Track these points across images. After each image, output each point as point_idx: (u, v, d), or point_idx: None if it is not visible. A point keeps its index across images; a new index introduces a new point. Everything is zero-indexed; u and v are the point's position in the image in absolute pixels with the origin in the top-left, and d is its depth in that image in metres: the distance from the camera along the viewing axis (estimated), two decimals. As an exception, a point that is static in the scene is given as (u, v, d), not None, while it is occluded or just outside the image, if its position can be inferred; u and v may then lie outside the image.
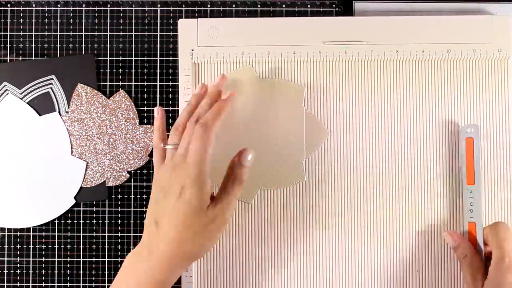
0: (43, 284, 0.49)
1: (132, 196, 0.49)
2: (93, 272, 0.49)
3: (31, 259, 0.49)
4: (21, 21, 0.50)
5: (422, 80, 0.48)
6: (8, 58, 0.50)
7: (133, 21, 0.50)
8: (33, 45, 0.50)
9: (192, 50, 0.48)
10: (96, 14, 0.50)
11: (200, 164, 0.39)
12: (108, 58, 0.50)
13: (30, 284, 0.49)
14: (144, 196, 0.49)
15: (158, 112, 0.45)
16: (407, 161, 0.48)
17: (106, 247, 0.49)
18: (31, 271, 0.49)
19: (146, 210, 0.49)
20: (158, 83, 0.50)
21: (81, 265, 0.49)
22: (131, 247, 0.49)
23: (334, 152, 0.48)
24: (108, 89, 0.50)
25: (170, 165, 0.41)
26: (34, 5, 0.50)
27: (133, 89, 0.50)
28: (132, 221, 0.49)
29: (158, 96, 0.49)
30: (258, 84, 0.48)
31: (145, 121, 0.49)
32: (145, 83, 0.50)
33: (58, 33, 0.50)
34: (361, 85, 0.48)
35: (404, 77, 0.48)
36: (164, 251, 0.39)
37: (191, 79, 0.48)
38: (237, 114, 0.47)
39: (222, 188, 0.42)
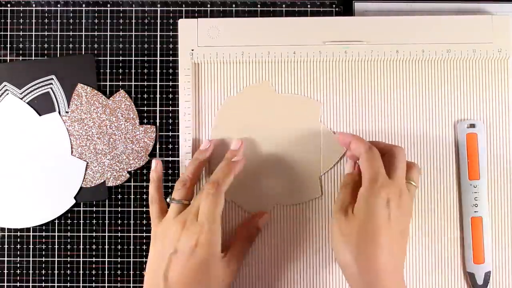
0: (43, 284, 0.49)
1: (132, 196, 0.49)
2: (93, 272, 0.49)
3: (31, 259, 0.49)
4: (21, 21, 0.50)
5: (422, 80, 0.48)
6: (8, 58, 0.50)
7: (133, 21, 0.50)
8: (33, 45, 0.50)
9: (192, 50, 0.48)
10: (96, 14, 0.50)
11: (212, 223, 0.40)
12: (108, 58, 0.50)
13: (30, 284, 0.49)
14: (144, 196, 0.49)
15: (156, 164, 0.46)
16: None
17: (106, 247, 0.49)
18: (31, 271, 0.49)
19: (146, 210, 0.49)
20: (158, 83, 0.50)
21: (81, 265, 0.49)
22: (131, 247, 0.49)
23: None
24: (108, 89, 0.50)
25: (179, 220, 0.41)
26: (34, 5, 0.50)
27: (133, 89, 0.50)
28: (132, 221, 0.49)
29: (158, 96, 0.49)
30: (275, 99, 0.48)
31: (145, 121, 0.49)
32: (145, 83, 0.50)
33: (58, 33, 0.50)
34: (361, 85, 0.48)
35: (404, 77, 0.48)
36: None
37: (191, 79, 0.48)
38: (253, 129, 0.47)
39: (233, 246, 0.44)
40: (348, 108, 0.48)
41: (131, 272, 0.49)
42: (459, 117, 0.48)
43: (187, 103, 0.48)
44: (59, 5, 0.50)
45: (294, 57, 0.48)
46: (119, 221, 0.49)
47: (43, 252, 0.49)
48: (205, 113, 0.48)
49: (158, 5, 0.50)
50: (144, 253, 0.49)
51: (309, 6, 0.50)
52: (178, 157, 0.49)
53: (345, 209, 0.40)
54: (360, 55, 0.47)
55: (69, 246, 0.49)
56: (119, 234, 0.49)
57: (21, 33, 0.50)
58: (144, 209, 0.49)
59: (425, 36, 0.47)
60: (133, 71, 0.50)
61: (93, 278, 0.49)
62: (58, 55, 0.50)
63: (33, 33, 0.50)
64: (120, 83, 0.50)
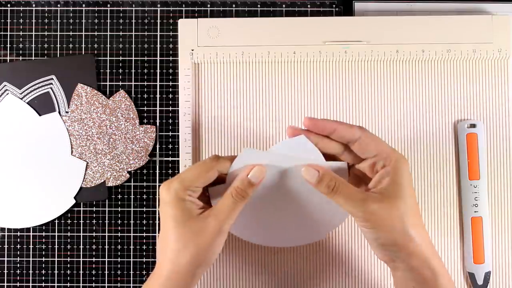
0: (43, 284, 0.49)
1: (132, 196, 0.49)
2: (93, 272, 0.49)
3: (31, 259, 0.49)
4: (21, 21, 0.50)
5: (422, 80, 0.48)
6: (8, 58, 0.50)
7: (133, 21, 0.50)
8: (33, 45, 0.50)
9: (192, 50, 0.48)
10: (96, 14, 0.50)
11: (183, 172, 0.39)
12: (108, 58, 0.50)
13: (30, 284, 0.49)
14: (144, 196, 0.49)
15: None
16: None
17: (106, 247, 0.49)
18: (31, 271, 0.49)
19: (146, 210, 0.49)
20: (158, 83, 0.50)
21: (81, 265, 0.49)
22: (131, 247, 0.49)
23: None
24: (108, 89, 0.50)
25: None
26: (34, 5, 0.50)
27: (133, 89, 0.50)
28: (132, 221, 0.49)
29: (158, 96, 0.49)
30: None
31: (145, 121, 0.49)
32: (145, 83, 0.50)
33: (58, 33, 0.50)
34: (361, 85, 0.48)
35: (404, 77, 0.48)
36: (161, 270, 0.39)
37: (191, 79, 0.48)
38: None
39: (219, 202, 0.39)
40: (347, 108, 0.48)
41: (131, 272, 0.49)
42: (459, 117, 0.48)
43: (187, 103, 0.48)
44: (59, 5, 0.50)
45: (294, 57, 0.48)
46: (119, 221, 0.49)
47: (43, 252, 0.49)
48: (205, 113, 0.48)
49: (158, 5, 0.50)
50: (144, 253, 0.49)
51: (309, 6, 0.50)
52: (178, 157, 0.49)
53: (365, 197, 0.37)
54: (360, 55, 0.47)
55: (69, 246, 0.49)
56: (119, 234, 0.49)
57: (21, 33, 0.50)
58: (144, 209, 0.49)
59: (425, 36, 0.47)
60: (133, 71, 0.50)
61: (93, 278, 0.49)
62: (58, 55, 0.50)
63: (33, 33, 0.50)
64: (120, 83, 0.50)
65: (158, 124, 0.49)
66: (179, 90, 0.48)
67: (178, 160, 0.49)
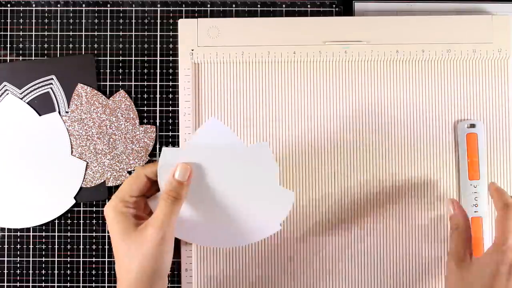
0: (43, 284, 0.49)
1: (132, 196, 0.49)
2: (93, 272, 0.49)
3: (31, 259, 0.49)
4: (21, 21, 0.50)
5: (422, 80, 0.48)
6: (8, 58, 0.50)
7: (133, 21, 0.50)
8: (33, 45, 0.50)
9: (192, 50, 0.48)
10: (96, 14, 0.50)
11: (119, 191, 0.40)
12: (108, 58, 0.50)
13: (30, 284, 0.49)
14: (144, 196, 0.49)
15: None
16: (407, 159, 0.48)
17: (106, 247, 0.49)
18: (31, 271, 0.49)
19: (146, 210, 0.49)
20: (158, 83, 0.50)
21: (81, 265, 0.49)
22: (131, 247, 0.49)
23: (334, 152, 0.48)
24: (108, 89, 0.50)
25: None
26: (34, 5, 0.50)
27: (133, 89, 0.50)
28: (132, 221, 0.49)
29: (158, 96, 0.49)
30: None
31: (145, 121, 0.49)
32: (145, 83, 0.50)
33: (58, 33, 0.50)
34: (361, 85, 0.48)
35: (404, 77, 0.48)
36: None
37: (191, 79, 0.48)
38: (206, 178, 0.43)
39: (155, 212, 0.39)
40: (347, 108, 0.48)
41: (131, 272, 0.49)
42: (459, 117, 0.48)
43: (187, 103, 0.48)
44: (59, 5, 0.50)
45: (294, 57, 0.48)
46: (119, 221, 0.49)
47: (43, 252, 0.49)
48: (205, 113, 0.48)
49: (158, 5, 0.50)
50: (144, 253, 0.49)
51: (309, 6, 0.50)
52: (178, 157, 0.49)
53: (462, 256, 0.41)
54: (360, 55, 0.47)
55: (69, 246, 0.49)
56: (119, 234, 0.49)
57: (21, 33, 0.50)
58: (144, 209, 0.49)
59: (425, 36, 0.47)
60: (133, 71, 0.50)
61: (93, 278, 0.49)
62: (58, 55, 0.50)
63: (33, 33, 0.50)
64: (120, 83, 0.50)
65: (158, 124, 0.49)
66: (179, 90, 0.48)
67: (178, 160, 0.49)
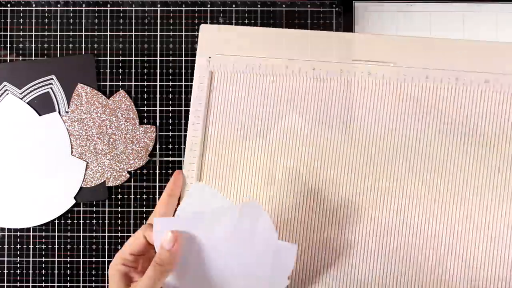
0: (43, 284, 0.49)
1: (132, 196, 0.49)
2: (93, 272, 0.49)
3: (31, 259, 0.49)
4: (21, 21, 0.50)
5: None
6: (8, 58, 0.50)
7: (133, 21, 0.50)
8: (33, 45, 0.50)
9: (210, 57, 0.47)
10: (96, 14, 0.50)
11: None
12: (108, 58, 0.50)
13: (30, 284, 0.49)
14: (144, 196, 0.49)
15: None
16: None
17: (106, 247, 0.49)
18: (31, 271, 0.49)
19: (146, 210, 0.49)
20: (158, 83, 0.50)
21: (81, 265, 0.49)
22: (131, 247, 0.49)
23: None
24: (108, 89, 0.50)
25: None
26: (34, 5, 0.50)
27: (133, 89, 0.50)
28: (132, 221, 0.49)
29: (158, 96, 0.50)
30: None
31: (145, 121, 0.49)
32: (145, 83, 0.50)
33: (58, 33, 0.50)
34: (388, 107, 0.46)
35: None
36: None
37: (205, 88, 0.47)
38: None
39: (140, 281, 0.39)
40: (364, 131, 0.46)
41: (131, 272, 0.49)
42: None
43: (198, 111, 0.47)
44: (59, 5, 0.50)
45: (313, 73, 0.46)
46: (119, 221, 0.49)
47: (43, 252, 0.49)
48: (214, 123, 0.47)
49: (158, 5, 0.50)
50: (144, 253, 0.49)
51: (309, 6, 0.50)
52: (178, 157, 0.49)
53: None
54: (385, 77, 0.45)
55: (69, 246, 0.49)
56: (119, 234, 0.49)
57: (21, 33, 0.50)
58: (144, 209, 0.49)
59: (462, 63, 0.44)
60: (133, 71, 0.50)
61: (93, 278, 0.49)
62: (58, 55, 0.50)
63: (33, 33, 0.50)
64: (120, 83, 0.50)
65: (158, 124, 0.49)
66: (192, 98, 0.47)
67: (178, 160, 0.49)
